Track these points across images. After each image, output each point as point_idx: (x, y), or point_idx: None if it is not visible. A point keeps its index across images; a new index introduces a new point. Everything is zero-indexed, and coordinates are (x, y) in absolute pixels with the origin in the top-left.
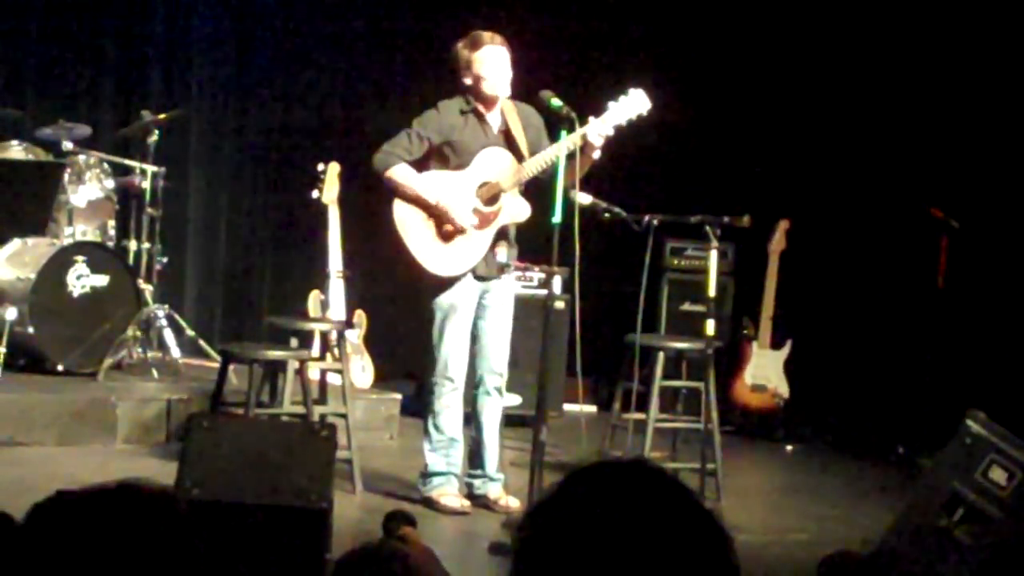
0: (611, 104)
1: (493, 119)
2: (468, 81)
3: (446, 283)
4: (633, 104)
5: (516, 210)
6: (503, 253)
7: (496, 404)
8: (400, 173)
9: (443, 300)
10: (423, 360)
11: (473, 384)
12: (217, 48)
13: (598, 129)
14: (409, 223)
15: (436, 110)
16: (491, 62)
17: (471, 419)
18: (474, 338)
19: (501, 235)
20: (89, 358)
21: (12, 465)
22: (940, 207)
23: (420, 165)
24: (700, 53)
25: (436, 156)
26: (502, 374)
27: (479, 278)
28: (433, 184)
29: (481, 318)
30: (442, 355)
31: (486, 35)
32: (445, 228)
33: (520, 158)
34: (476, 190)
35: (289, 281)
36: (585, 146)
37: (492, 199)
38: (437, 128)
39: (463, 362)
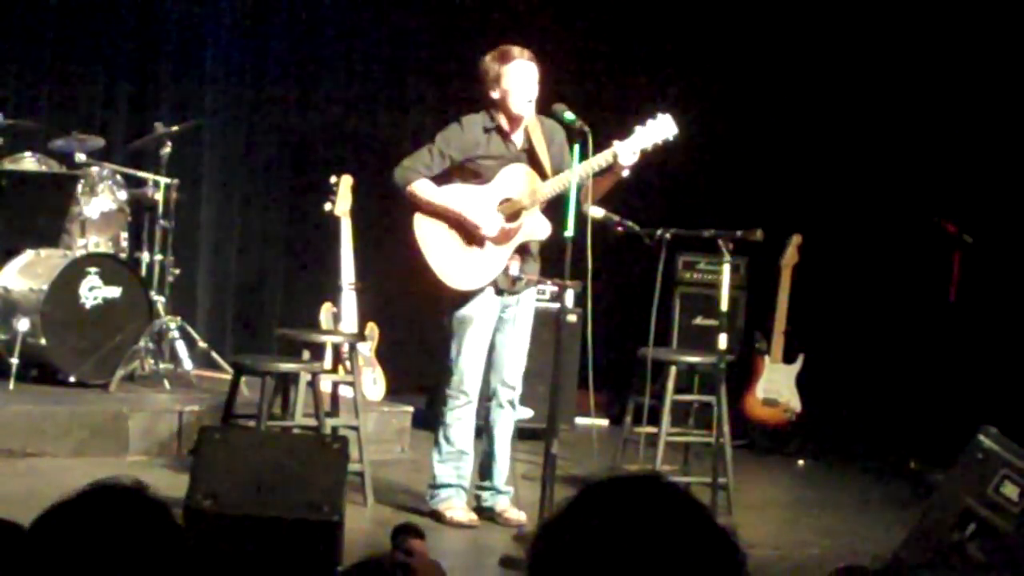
0: (638, 128)
1: (517, 136)
2: (495, 95)
3: (466, 297)
4: (660, 128)
5: (536, 228)
6: (515, 267)
7: (509, 417)
8: (421, 188)
9: (463, 313)
10: (437, 372)
11: (487, 396)
12: (230, 60)
13: (623, 152)
14: (430, 236)
15: (459, 126)
16: (520, 77)
17: (482, 431)
18: (490, 350)
19: (521, 251)
20: (101, 370)
21: (24, 476)
22: (953, 222)
23: (441, 180)
24: (712, 68)
25: (458, 171)
26: (516, 388)
27: (499, 292)
28: (456, 196)
29: (499, 331)
30: (459, 368)
31: (515, 49)
32: (466, 241)
33: (543, 175)
34: (497, 206)
35: (301, 293)
36: (610, 168)
37: (513, 216)
38: (460, 145)
39: (479, 377)
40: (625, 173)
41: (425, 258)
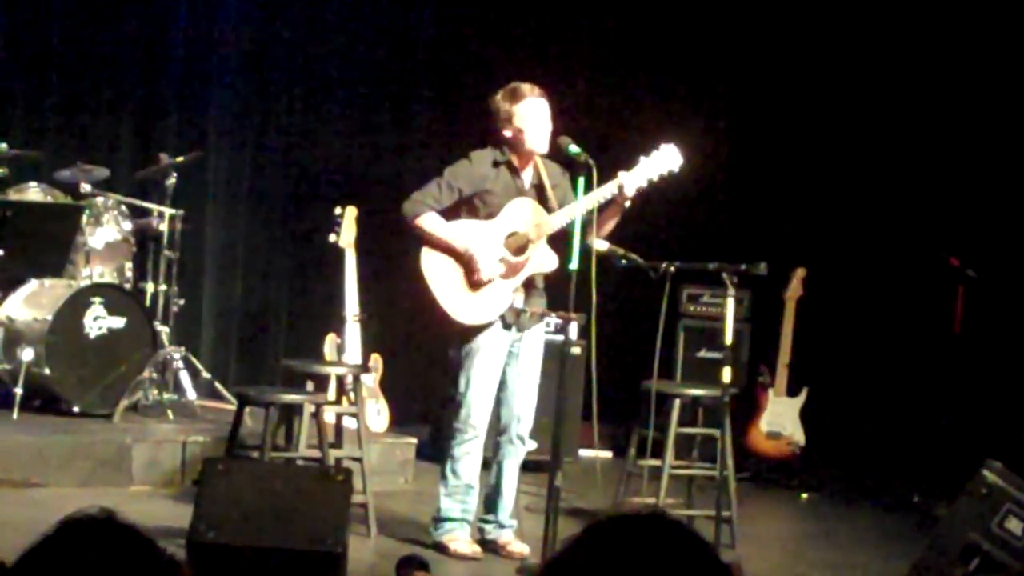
0: (642, 159)
1: (526, 173)
2: (508, 134)
3: (475, 331)
4: (665, 160)
5: (543, 261)
6: (519, 300)
7: (519, 452)
8: (429, 222)
9: (471, 347)
10: (440, 403)
11: (497, 431)
12: (235, 91)
13: (629, 182)
14: (437, 271)
15: (469, 160)
16: (532, 115)
17: (490, 464)
18: (501, 385)
19: (527, 285)
20: (105, 400)
21: (26, 506)
22: (957, 256)
23: (449, 214)
24: (717, 101)
25: (466, 206)
26: (528, 423)
27: (507, 327)
28: (462, 232)
29: (509, 365)
30: (468, 402)
31: (526, 87)
32: (473, 276)
33: (549, 211)
34: (504, 240)
35: (305, 324)
36: (614, 199)
37: (520, 249)
38: (468, 179)
39: (488, 411)
40: (628, 203)
41: (432, 292)
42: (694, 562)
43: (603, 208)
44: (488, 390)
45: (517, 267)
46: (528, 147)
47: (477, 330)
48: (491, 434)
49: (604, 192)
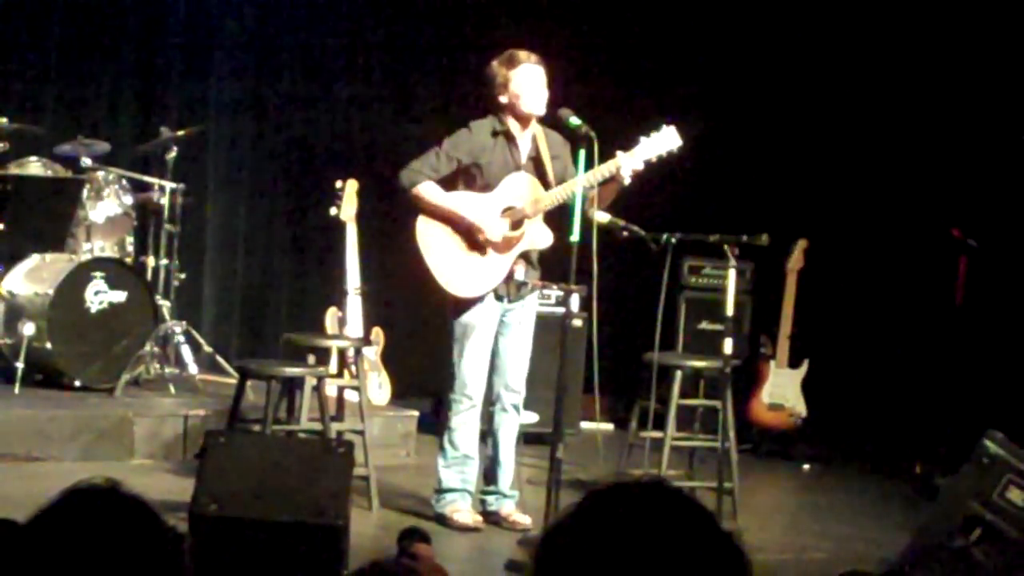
0: (642, 139)
1: (524, 143)
2: (504, 100)
3: (467, 303)
4: (664, 140)
5: (538, 237)
6: (520, 271)
7: (513, 421)
8: (427, 190)
9: (464, 319)
10: (441, 377)
11: (490, 401)
12: (236, 65)
13: (627, 164)
14: (431, 240)
15: (468, 130)
16: (528, 80)
17: (487, 436)
18: (493, 355)
19: (522, 259)
20: (106, 374)
21: (28, 480)
22: (959, 227)
23: (446, 185)
24: (718, 72)
25: (462, 176)
26: (520, 392)
27: (499, 298)
28: (460, 200)
29: (501, 335)
30: (461, 373)
31: (522, 53)
32: (468, 247)
33: (546, 184)
34: (501, 213)
35: (307, 298)
36: (613, 177)
37: (516, 224)
38: (468, 149)
39: (482, 380)
40: (627, 182)
41: (426, 262)
42: (694, 529)
43: (602, 184)
44: (482, 360)
45: (512, 241)
46: (525, 111)
47: (470, 302)
48: (487, 406)
49: (602, 171)
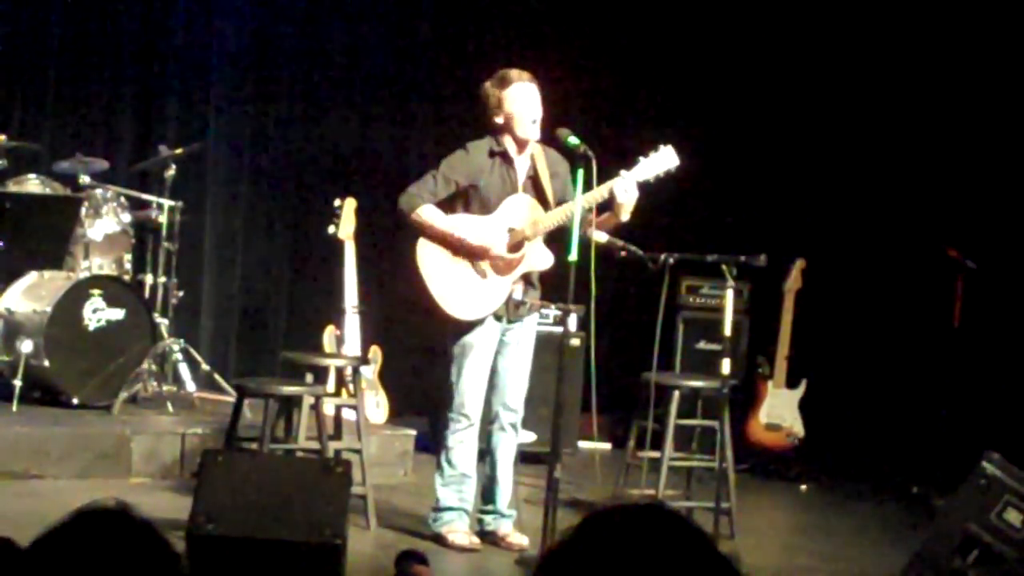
0: (640, 159)
1: (521, 164)
2: (500, 120)
3: (467, 325)
4: (662, 160)
5: (538, 259)
6: (519, 291)
7: (511, 441)
8: (428, 214)
9: (464, 341)
10: (439, 395)
11: (488, 420)
12: (234, 83)
13: (624, 184)
14: (432, 264)
15: (465, 151)
16: (522, 99)
17: (485, 455)
18: (492, 374)
19: (522, 280)
20: (104, 391)
21: (26, 497)
22: (956, 247)
23: (444, 207)
24: (714, 92)
25: (461, 198)
26: (518, 411)
27: (498, 319)
28: (462, 224)
29: (501, 355)
30: (460, 391)
31: (514, 72)
32: (470, 269)
33: (545, 205)
34: (503, 235)
35: (304, 316)
36: (612, 201)
37: (516, 246)
38: (465, 171)
39: (480, 400)
40: (625, 217)
41: (427, 285)
42: (692, 553)
43: (601, 209)
44: (480, 379)
45: (512, 263)
46: (521, 133)
47: (470, 324)
48: (485, 425)
49: (601, 191)
